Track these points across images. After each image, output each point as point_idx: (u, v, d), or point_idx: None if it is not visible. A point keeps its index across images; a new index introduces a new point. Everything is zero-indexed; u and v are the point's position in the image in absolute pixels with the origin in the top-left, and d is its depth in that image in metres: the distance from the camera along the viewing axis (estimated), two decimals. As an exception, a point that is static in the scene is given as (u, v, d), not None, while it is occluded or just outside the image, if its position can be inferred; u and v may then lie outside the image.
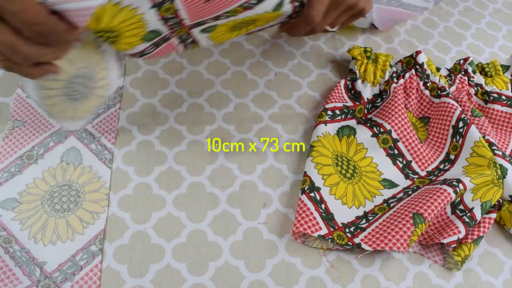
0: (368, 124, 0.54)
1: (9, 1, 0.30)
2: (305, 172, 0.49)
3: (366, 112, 0.56)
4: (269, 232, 0.47)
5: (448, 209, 0.48)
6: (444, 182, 0.47)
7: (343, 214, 0.47)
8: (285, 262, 0.45)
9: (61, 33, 0.32)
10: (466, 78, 0.58)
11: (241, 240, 0.46)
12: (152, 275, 0.43)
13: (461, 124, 0.52)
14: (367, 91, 0.57)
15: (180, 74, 0.58)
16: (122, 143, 0.51)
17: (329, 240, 0.44)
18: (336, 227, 0.46)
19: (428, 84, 0.56)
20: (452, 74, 0.59)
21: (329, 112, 0.54)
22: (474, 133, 0.50)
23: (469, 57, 0.59)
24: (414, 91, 0.56)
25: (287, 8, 0.43)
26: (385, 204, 0.48)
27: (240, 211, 0.48)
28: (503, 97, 0.56)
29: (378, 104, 0.56)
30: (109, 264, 0.43)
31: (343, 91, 0.57)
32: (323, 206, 0.47)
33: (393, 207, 0.47)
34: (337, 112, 0.55)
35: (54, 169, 0.48)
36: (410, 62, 0.58)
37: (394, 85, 0.55)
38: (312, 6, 0.45)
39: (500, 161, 0.48)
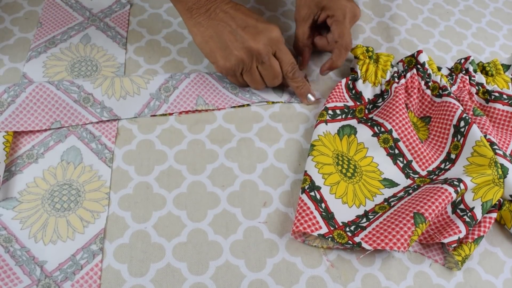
0: (369, 124, 0.54)
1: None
2: (306, 171, 0.49)
3: (367, 112, 0.56)
4: (270, 232, 0.47)
5: (449, 209, 0.48)
6: (445, 181, 0.47)
7: (344, 213, 0.47)
8: (285, 261, 0.45)
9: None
10: (467, 77, 0.58)
11: (241, 240, 0.46)
12: (152, 275, 0.43)
13: (462, 123, 0.51)
14: (368, 91, 0.57)
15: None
16: (122, 142, 0.51)
17: (329, 239, 0.44)
18: (337, 226, 0.46)
19: (430, 84, 0.56)
20: (453, 74, 0.59)
21: (330, 112, 0.54)
22: (475, 132, 0.50)
23: (470, 56, 0.58)
24: (415, 90, 0.56)
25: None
26: (385, 203, 0.48)
27: (240, 210, 0.48)
28: (504, 96, 0.56)
29: (379, 104, 0.56)
30: (109, 263, 0.43)
31: (344, 90, 0.57)
32: (323, 205, 0.47)
33: (393, 205, 0.47)
34: (338, 111, 0.55)
35: (54, 168, 0.48)
36: (412, 62, 0.58)
37: (395, 85, 0.55)
38: (344, 35, 0.56)
39: (501, 160, 0.48)
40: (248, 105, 0.56)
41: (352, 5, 0.58)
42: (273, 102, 0.57)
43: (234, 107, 0.55)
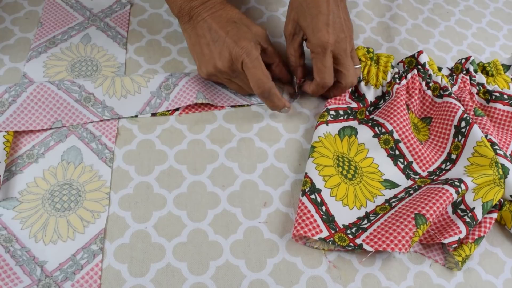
0: (370, 124, 0.53)
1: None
2: (306, 173, 0.49)
3: (368, 114, 0.56)
4: (270, 232, 0.47)
5: (449, 209, 0.48)
6: (446, 182, 0.47)
7: (344, 215, 0.47)
8: (285, 261, 0.45)
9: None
10: (468, 77, 0.58)
11: (241, 240, 0.46)
12: (152, 275, 0.43)
13: (463, 124, 0.51)
14: (370, 94, 0.57)
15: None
16: (122, 142, 0.51)
17: (330, 242, 0.44)
18: (337, 229, 0.46)
19: (431, 84, 0.56)
20: (453, 74, 0.59)
21: (332, 112, 0.54)
22: (476, 132, 0.50)
23: (470, 56, 0.58)
24: (416, 91, 0.56)
25: None
26: (386, 204, 0.48)
27: (240, 210, 0.48)
28: (505, 96, 0.56)
29: (381, 106, 0.56)
30: (109, 263, 0.43)
31: (347, 94, 0.57)
32: (323, 208, 0.47)
33: (394, 206, 0.47)
34: (341, 112, 0.55)
35: (54, 168, 0.48)
36: (412, 62, 0.58)
37: (396, 86, 0.55)
38: (321, 72, 0.52)
39: (502, 160, 0.48)
40: (248, 105, 0.56)
41: (336, 38, 0.51)
42: None
43: (234, 106, 0.56)
